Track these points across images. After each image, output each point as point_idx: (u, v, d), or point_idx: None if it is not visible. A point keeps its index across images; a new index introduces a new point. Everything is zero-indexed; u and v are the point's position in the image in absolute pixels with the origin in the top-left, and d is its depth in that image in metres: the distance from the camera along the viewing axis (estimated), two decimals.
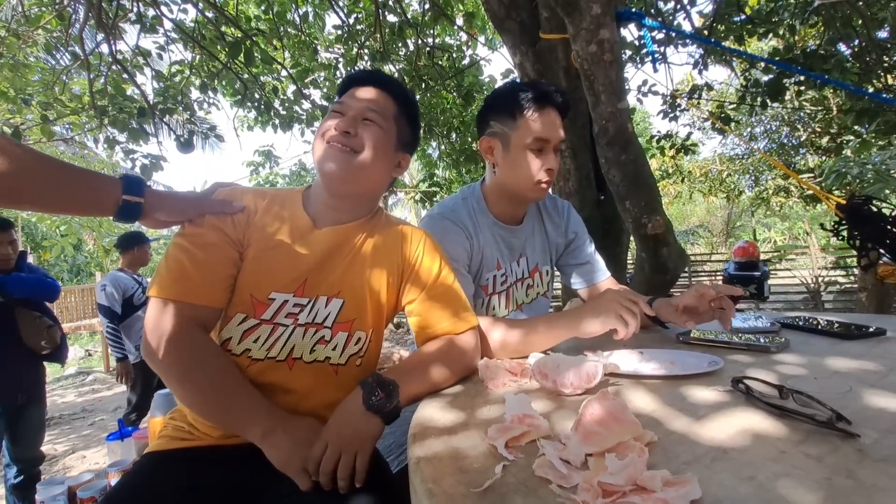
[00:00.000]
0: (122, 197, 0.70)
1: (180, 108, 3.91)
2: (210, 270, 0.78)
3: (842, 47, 3.22)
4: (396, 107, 0.89)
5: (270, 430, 0.71)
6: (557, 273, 1.39)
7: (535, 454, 0.51)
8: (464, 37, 4.90)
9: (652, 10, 3.48)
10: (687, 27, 3.56)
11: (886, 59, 3.19)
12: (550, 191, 1.21)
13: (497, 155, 1.12)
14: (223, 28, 3.57)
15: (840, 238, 1.67)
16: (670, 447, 0.50)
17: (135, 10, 3.24)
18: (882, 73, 3.24)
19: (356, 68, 4.33)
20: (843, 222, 1.65)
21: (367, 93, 0.86)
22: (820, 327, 0.97)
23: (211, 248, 0.78)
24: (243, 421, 0.72)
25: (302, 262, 0.82)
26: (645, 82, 4.12)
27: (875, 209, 1.59)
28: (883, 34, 3.33)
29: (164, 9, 3.33)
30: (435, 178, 6.71)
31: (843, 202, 1.65)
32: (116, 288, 3.00)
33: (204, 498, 0.73)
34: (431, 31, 4.35)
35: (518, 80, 2.16)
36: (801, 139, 8.01)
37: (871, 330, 0.91)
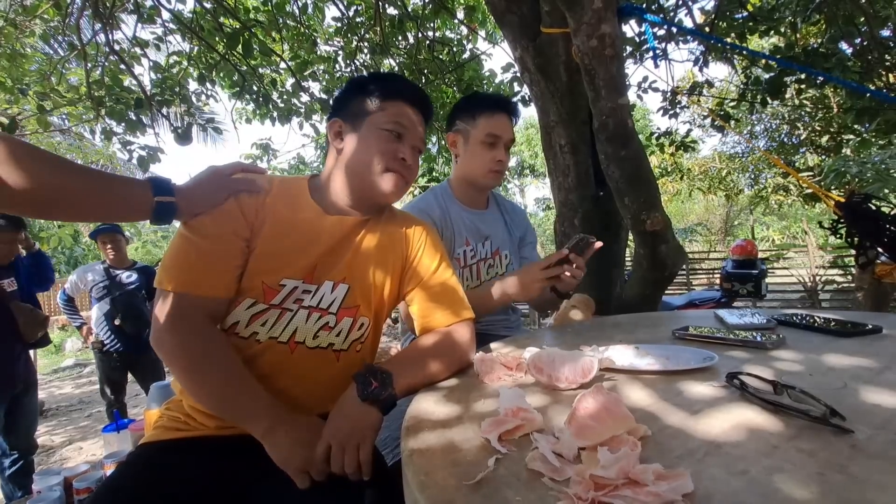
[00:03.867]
0: (154, 200, 0.72)
1: (178, 100, 3.88)
2: (218, 261, 0.77)
3: (843, 46, 3.20)
4: (426, 129, 0.96)
5: (272, 428, 0.71)
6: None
7: (528, 448, 0.50)
8: (464, 31, 4.86)
9: (653, 6, 3.45)
10: (688, 23, 3.54)
11: (889, 57, 3.17)
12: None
13: (459, 147, 1.35)
14: (221, 19, 3.54)
15: (838, 236, 1.67)
16: (663, 441, 0.50)
17: None
18: (884, 72, 3.23)
19: (355, 61, 4.30)
20: (842, 220, 1.65)
21: (418, 119, 0.91)
22: (816, 324, 0.97)
23: (218, 239, 0.78)
24: (247, 416, 0.72)
25: (312, 249, 0.83)
26: (645, 79, 4.12)
27: (874, 207, 1.59)
28: (886, 32, 3.31)
29: None
30: (434, 173, 6.69)
31: (843, 200, 1.65)
32: None
33: (198, 488, 0.73)
34: (432, 25, 4.31)
35: (518, 75, 2.16)
36: (801, 138, 7.99)
37: (867, 327, 0.90)
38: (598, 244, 1.11)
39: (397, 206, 1.04)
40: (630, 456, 0.42)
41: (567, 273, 1.06)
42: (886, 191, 4.21)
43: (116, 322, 3.01)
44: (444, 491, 0.44)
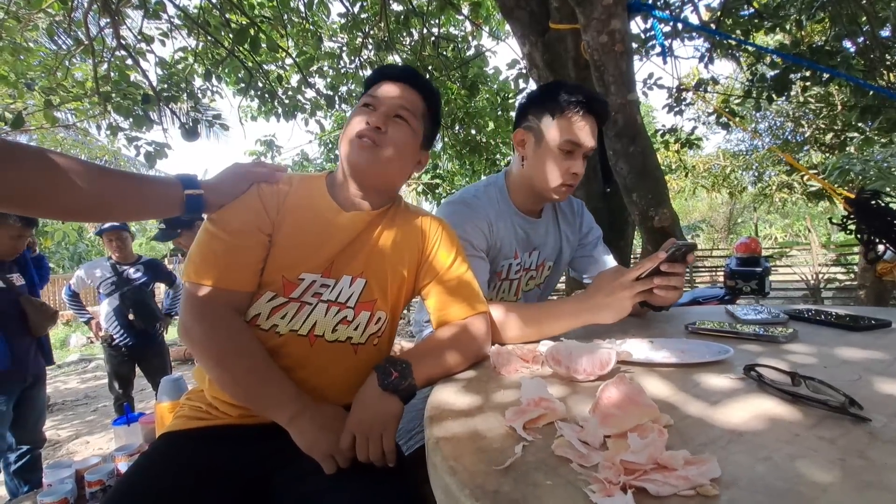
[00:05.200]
0: (184, 193, 0.76)
1: (184, 96, 3.89)
2: (242, 256, 0.80)
3: (847, 44, 3.21)
4: (425, 105, 0.91)
5: (297, 415, 0.73)
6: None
7: (552, 436, 0.52)
8: (469, 27, 4.86)
9: (659, 2, 3.45)
10: (694, 20, 3.54)
11: (889, 56, 3.18)
12: None
13: (528, 148, 1.13)
14: (228, 15, 3.54)
15: (848, 232, 1.69)
16: (685, 430, 0.51)
17: None
18: (884, 71, 3.23)
19: (360, 57, 4.30)
20: (852, 216, 1.66)
21: (399, 89, 0.87)
22: (826, 319, 0.98)
23: (241, 234, 0.80)
24: (272, 404, 0.74)
25: (330, 244, 0.84)
26: (651, 75, 4.10)
27: (882, 204, 1.61)
28: (886, 32, 3.32)
29: None
30: (438, 170, 6.69)
31: (852, 196, 1.66)
32: None
33: (222, 475, 0.75)
34: (437, 21, 4.31)
35: (525, 70, 2.16)
36: (806, 135, 7.99)
37: (876, 322, 0.92)
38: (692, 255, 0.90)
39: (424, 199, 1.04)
40: (658, 442, 0.43)
41: (663, 284, 0.87)
42: (888, 188, 4.22)
43: (130, 317, 3.04)
44: (475, 475, 0.45)
